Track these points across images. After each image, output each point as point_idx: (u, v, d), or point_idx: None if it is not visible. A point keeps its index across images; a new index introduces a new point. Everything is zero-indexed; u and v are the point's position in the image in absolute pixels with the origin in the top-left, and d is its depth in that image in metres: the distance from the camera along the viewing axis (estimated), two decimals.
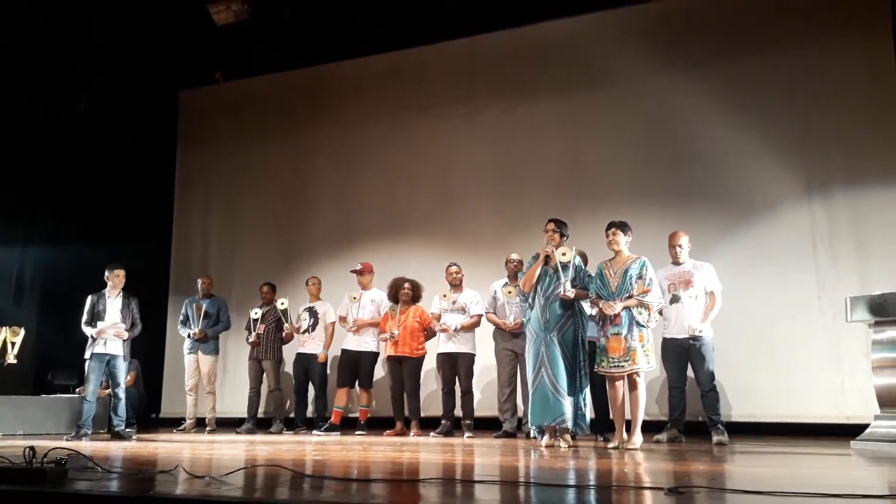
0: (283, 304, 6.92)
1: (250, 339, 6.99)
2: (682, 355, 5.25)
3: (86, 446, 4.71)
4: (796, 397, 5.87)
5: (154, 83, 8.62)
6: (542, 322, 4.72)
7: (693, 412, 5.45)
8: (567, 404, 4.56)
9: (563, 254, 4.74)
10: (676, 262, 5.36)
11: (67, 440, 5.49)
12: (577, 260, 4.85)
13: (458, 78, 7.83)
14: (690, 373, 5.32)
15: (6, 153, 7.53)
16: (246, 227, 8.56)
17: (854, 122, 6.12)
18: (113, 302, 6.17)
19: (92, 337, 6.05)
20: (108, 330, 6.04)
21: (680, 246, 5.34)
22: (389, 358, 6.41)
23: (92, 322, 6.06)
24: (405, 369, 6.30)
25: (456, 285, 6.37)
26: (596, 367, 4.67)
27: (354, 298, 6.71)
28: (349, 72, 8.40)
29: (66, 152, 8.00)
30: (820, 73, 6.30)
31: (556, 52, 7.38)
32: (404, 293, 6.41)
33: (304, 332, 6.88)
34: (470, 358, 6.18)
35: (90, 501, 2.36)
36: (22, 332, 6.92)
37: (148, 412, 8.14)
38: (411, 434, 6.15)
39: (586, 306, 4.90)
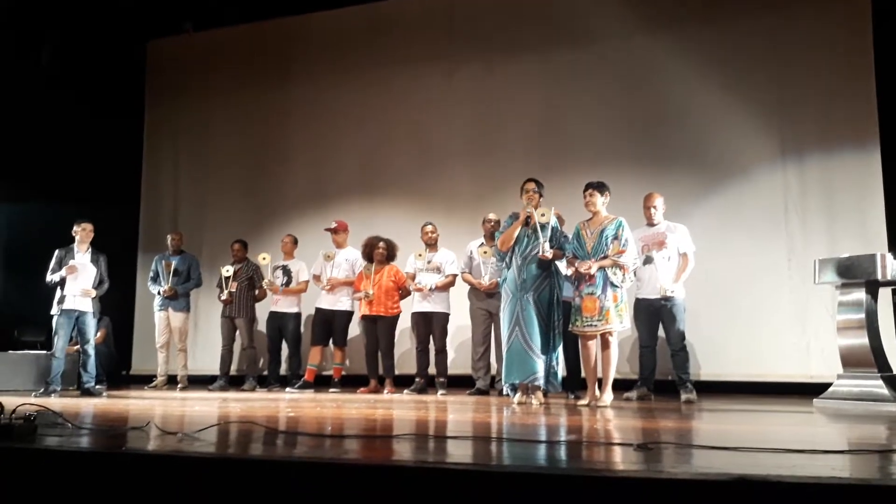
0: (264, 258, 6.84)
1: (223, 297, 6.93)
2: (654, 315, 5.32)
3: (55, 402, 4.67)
4: (763, 357, 6.02)
5: (122, 33, 8.31)
6: (519, 282, 4.73)
7: (663, 371, 5.56)
8: (540, 363, 4.61)
9: (542, 214, 4.74)
10: (651, 224, 5.40)
11: (36, 396, 5.43)
12: (555, 220, 4.85)
13: (438, 33, 7.69)
14: (661, 333, 5.41)
15: None
16: (217, 183, 8.40)
17: (829, 87, 6.15)
18: (81, 257, 6.07)
19: (60, 285, 5.94)
20: (77, 281, 5.94)
21: (654, 207, 5.37)
22: (364, 317, 6.41)
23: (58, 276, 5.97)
24: (380, 328, 6.32)
25: (431, 245, 6.35)
26: (570, 326, 4.72)
27: (329, 257, 6.68)
28: (325, 24, 8.19)
29: (29, 106, 7.72)
30: (798, 38, 6.30)
31: (536, 8, 7.27)
32: (379, 252, 6.38)
33: (279, 289, 6.83)
34: (444, 317, 6.22)
35: (60, 457, 2.33)
36: None
37: (118, 369, 8.08)
38: (385, 392, 6.19)
39: (562, 266, 4.93)
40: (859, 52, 6.07)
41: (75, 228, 6.12)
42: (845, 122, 6.09)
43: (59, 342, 5.93)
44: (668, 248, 5.28)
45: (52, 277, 6.02)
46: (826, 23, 6.22)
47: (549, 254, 4.67)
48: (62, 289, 5.97)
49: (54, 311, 5.98)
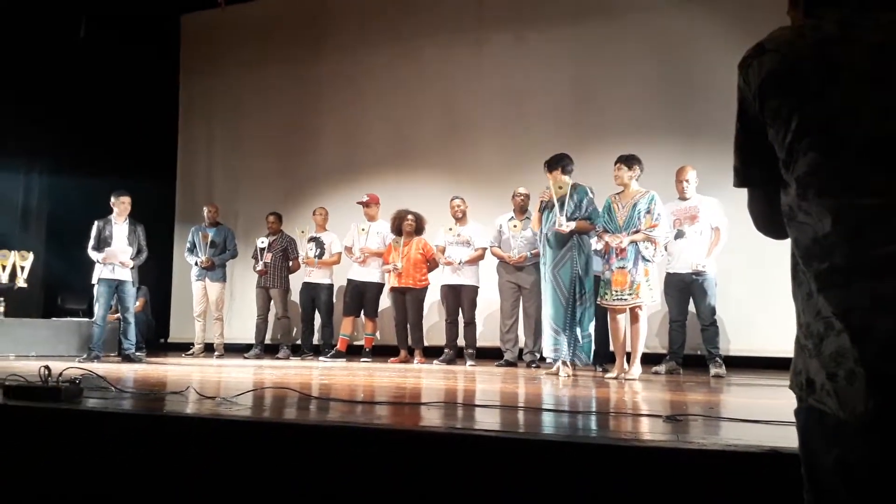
0: (303, 231, 6.93)
1: (258, 268, 7.06)
2: (685, 290, 5.28)
3: (98, 368, 4.82)
4: (794, 333, 5.93)
5: (156, 6, 8.39)
6: (545, 258, 4.78)
7: (692, 346, 5.52)
8: (563, 339, 4.64)
9: (560, 187, 4.71)
10: (683, 198, 5.32)
11: (80, 362, 5.62)
12: (587, 192, 4.81)
13: (466, 5, 7.61)
14: (691, 307, 5.37)
15: (7, 81, 7.41)
16: (250, 155, 8.50)
17: None
18: (119, 228, 6.22)
19: (99, 262, 6.12)
20: (116, 256, 6.10)
21: (687, 181, 5.28)
22: (393, 289, 6.47)
23: (98, 247, 6.14)
24: (408, 300, 6.38)
25: (459, 218, 6.36)
26: (599, 299, 4.71)
27: (363, 230, 6.72)
28: None
29: (67, 81, 7.87)
30: None
31: None
32: (407, 225, 6.42)
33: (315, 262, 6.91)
34: (473, 290, 6.25)
35: (105, 419, 2.43)
36: (31, 256, 7.00)
37: (156, 337, 8.30)
38: (415, 362, 6.28)
39: (593, 241, 4.91)
40: None
41: (113, 200, 6.26)
42: None
43: (100, 310, 6.12)
44: (700, 222, 5.20)
45: (92, 256, 6.16)
46: None
47: (564, 227, 4.65)
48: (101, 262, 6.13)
49: (94, 280, 6.16)
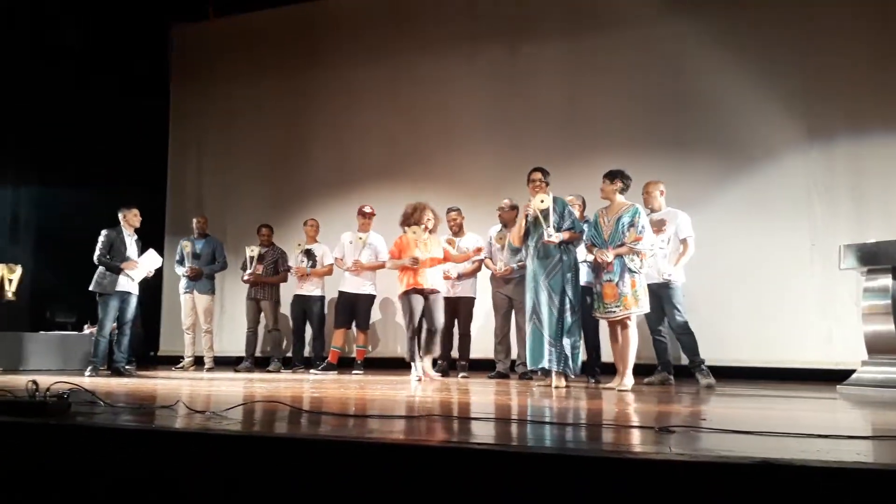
0: (299, 245, 6.91)
1: (245, 277, 7.00)
2: (655, 299, 5.25)
3: (86, 382, 4.77)
4: (785, 343, 5.97)
5: (145, 17, 8.39)
6: (534, 271, 4.80)
7: (683, 357, 5.53)
8: (552, 349, 4.66)
9: (542, 201, 4.74)
10: (651, 209, 5.35)
11: (88, 375, 5.59)
12: (565, 204, 4.84)
13: (460, 17, 7.66)
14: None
15: None
16: (241, 167, 8.48)
17: (858, 70, 6.04)
18: (130, 241, 6.20)
19: (116, 271, 6.03)
20: (142, 266, 6.10)
21: (648, 192, 5.33)
22: (415, 291, 5.52)
23: (111, 258, 6.05)
24: (428, 304, 5.58)
25: (455, 231, 6.33)
26: (593, 311, 4.74)
27: (360, 240, 6.62)
28: (347, 8, 8.20)
29: (58, 92, 7.84)
30: (826, 18, 6.17)
31: None
32: (427, 220, 5.65)
33: (307, 271, 6.87)
34: (470, 301, 6.24)
35: (92, 434, 2.40)
36: (19, 269, 6.94)
37: (146, 351, 8.22)
38: (433, 373, 5.65)
39: (582, 252, 4.92)
40: (890, 41, 5.94)
41: (126, 213, 6.22)
42: (874, 107, 5.98)
43: (108, 322, 6.03)
44: (666, 232, 5.23)
45: (101, 262, 6.06)
46: (857, 9, 6.09)
47: (554, 238, 4.67)
48: (113, 271, 6.05)
49: (104, 290, 6.01)
